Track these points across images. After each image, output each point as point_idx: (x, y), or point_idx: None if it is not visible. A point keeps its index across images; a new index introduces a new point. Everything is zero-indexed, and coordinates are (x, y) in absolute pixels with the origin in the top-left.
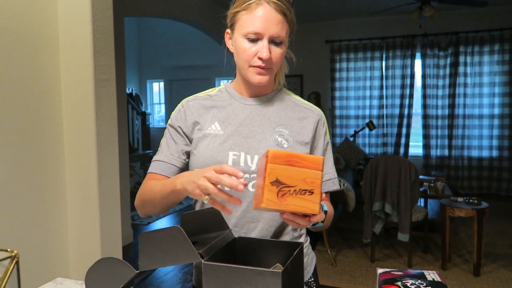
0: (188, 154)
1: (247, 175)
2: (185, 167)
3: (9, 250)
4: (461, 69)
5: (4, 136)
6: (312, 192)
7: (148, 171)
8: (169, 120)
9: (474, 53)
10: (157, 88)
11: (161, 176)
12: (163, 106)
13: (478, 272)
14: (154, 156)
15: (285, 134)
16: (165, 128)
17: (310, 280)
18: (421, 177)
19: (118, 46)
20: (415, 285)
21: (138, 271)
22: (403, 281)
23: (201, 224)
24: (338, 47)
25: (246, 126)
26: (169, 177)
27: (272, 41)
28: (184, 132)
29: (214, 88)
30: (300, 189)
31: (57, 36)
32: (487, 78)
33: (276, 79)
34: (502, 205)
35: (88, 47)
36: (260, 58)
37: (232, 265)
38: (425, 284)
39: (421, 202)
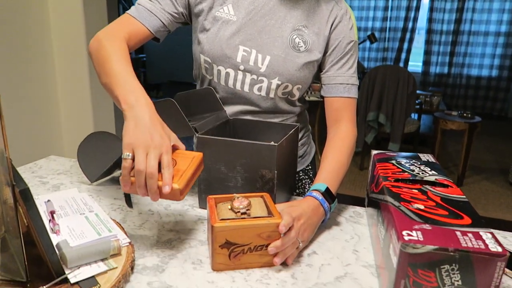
0: (174, 18)
1: (254, 76)
2: (170, 26)
3: None
4: None
5: None
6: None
7: (127, 12)
8: None
9: None
10: None
11: (140, 24)
12: None
13: (461, 182)
14: (139, 0)
15: (304, 34)
16: None
17: (308, 168)
18: (418, 92)
19: None
20: (410, 163)
21: None
22: (398, 160)
23: (195, 104)
24: None
25: (263, 17)
26: (150, 31)
27: None
28: None
29: None
30: (255, 246)
31: None
32: None
33: None
34: (494, 124)
35: None
36: None
37: (228, 139)
38: (419, 163)
39: (415, 116)
